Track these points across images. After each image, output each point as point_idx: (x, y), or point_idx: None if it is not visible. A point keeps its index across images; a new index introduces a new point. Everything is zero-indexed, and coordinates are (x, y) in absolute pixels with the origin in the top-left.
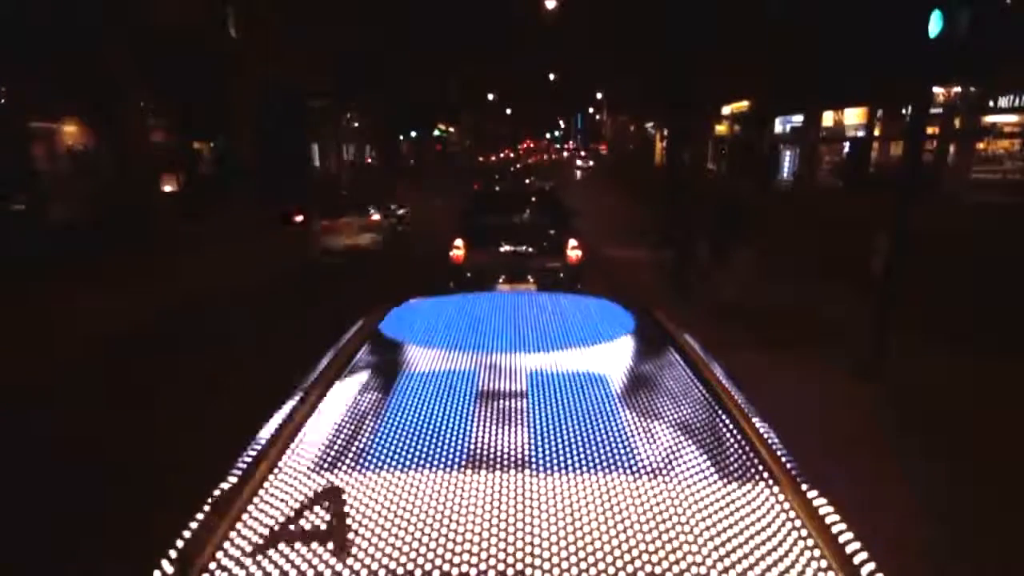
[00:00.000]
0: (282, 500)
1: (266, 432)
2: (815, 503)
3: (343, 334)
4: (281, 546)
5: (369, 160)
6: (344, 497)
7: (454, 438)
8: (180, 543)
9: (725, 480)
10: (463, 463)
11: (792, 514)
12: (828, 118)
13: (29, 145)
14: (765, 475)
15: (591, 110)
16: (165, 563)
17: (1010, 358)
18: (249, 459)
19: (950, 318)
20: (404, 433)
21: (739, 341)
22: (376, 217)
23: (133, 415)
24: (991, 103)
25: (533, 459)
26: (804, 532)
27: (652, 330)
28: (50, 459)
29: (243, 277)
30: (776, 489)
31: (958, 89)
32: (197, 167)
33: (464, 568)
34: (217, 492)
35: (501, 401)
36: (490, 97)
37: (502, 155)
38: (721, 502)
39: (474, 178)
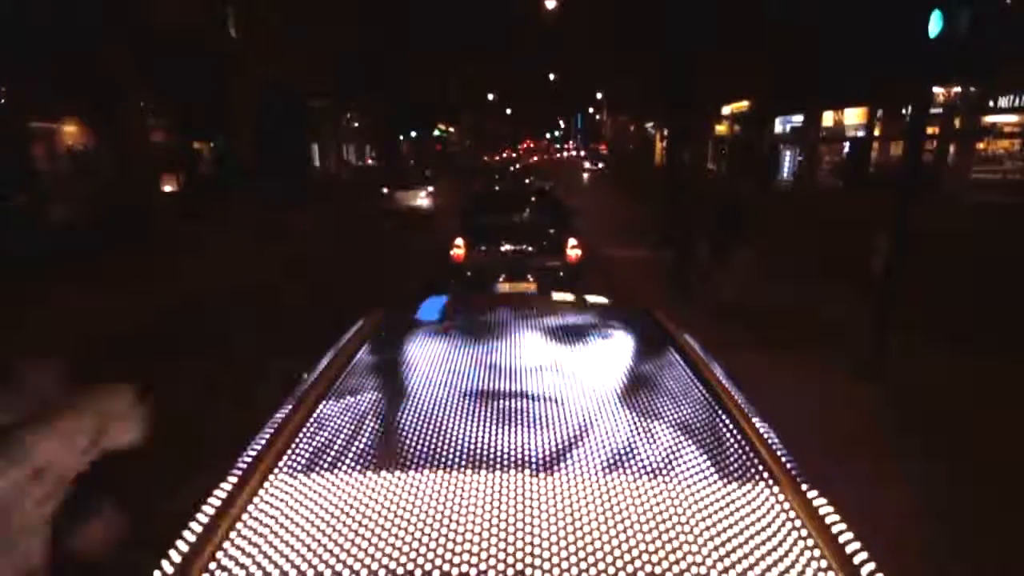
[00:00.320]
0: (282, 500)
1: (266, 432)
2: (815, 503)
3: (343, 334)
4: (281, 546)
5: (370, 160)
6: (344, 497)
7: (454, 438)
8: (180, 543)
9: (725, 480)
10: (463, 463)
11: (792, 514)
12: (828, 118)
13: (29, 145)
14: (765, 475)
15: (591, 110)
16: (165, 563)
17: (1010, 358)
18: (249, 459)
19: (950, 318)
20: (404, 433)
21: (739, 341)
22: (429, 188)
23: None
24: (991, 103)
25: (533, 459)
26: (804, 532)
27: (652, 330)
28: None
29: (242, 277)
30: (776, 489)
31: (958, 89)
32: (197, 167)
33: (464, 568)
34: (217, 492)
35: (501, 401)
36: (490, 97)
37: (504, 155)
38: (721, 502)
39: (477, 178)
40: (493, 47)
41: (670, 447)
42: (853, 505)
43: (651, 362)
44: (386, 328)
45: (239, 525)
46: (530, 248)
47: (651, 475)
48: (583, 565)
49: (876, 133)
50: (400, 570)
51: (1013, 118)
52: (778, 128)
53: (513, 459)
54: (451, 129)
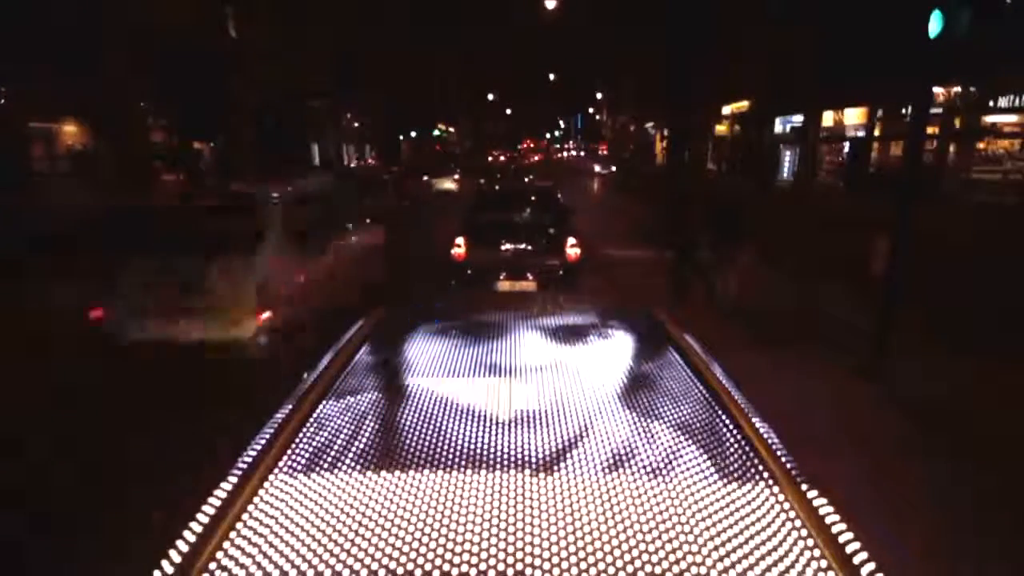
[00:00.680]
0: (282, 500)
1: (266, 432)
2: (815, 503)
3: (343, 334)
4: (281, 546)
5: (370, 160)
6: (344, 497)
7: (454, 438)
8: (180, 543)
9: (725, 480)
10: (463, 463)
11: (792, 514)
12: (828, 118)
13: (29, 145)
14: (765, 475)
15: (591, 110)
16: (165, 563)
17: (1010, 358)
18: (249, 459)
19: (950, 318)
20: (404, 433)
21: (739, 341)
22: (455, 176)
23: (133, 415)
24: (991, 103)
25: (533, 459)
26: (804, 532)
27: (652, 330)
28: (51, 459)
29: None
30: (776, 489)
31: (958, 89)
32: (197, 167)
33: (464, 568)
34: (217, 492)
35: (501, 401)
36: (490, 97)
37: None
38: (721, 502)
39: (477, 178)
40: (493, 47)
41: (670, 447)
42: (853, 505)
43: (651, 362)
44: (386, 328)
45: (239, 525)
46: (530, 247)
47: (651, 475)
48: (583, 565)
49: (876, 133)
50: (400, 570)
51: (1013, 118)
52: (778, 128)
53: (513, 459)
54: (451, 129)
